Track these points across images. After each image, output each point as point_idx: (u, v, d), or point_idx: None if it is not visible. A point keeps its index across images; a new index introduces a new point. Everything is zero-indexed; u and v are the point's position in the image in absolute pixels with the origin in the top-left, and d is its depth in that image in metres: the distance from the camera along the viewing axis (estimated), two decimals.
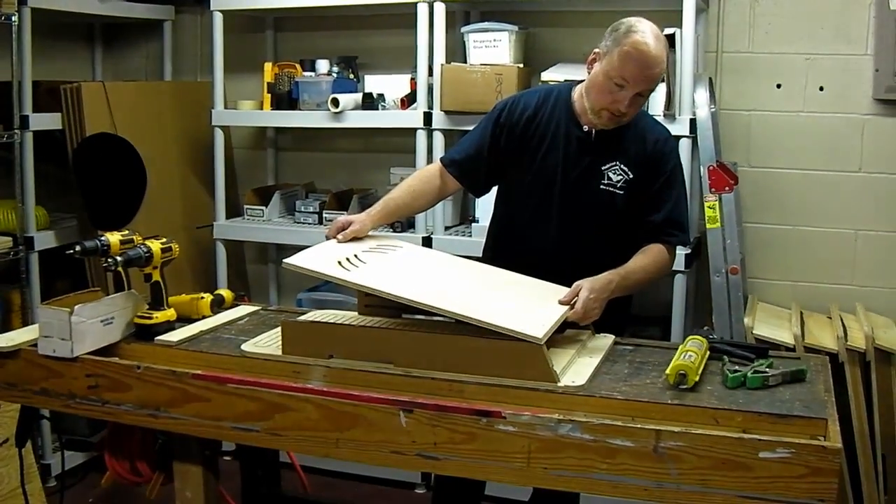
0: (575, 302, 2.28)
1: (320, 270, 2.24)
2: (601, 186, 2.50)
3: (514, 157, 2.57)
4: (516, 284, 2.40)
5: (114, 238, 2.35)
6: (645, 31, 2.36)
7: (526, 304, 2.25)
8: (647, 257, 2.48)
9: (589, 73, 2.47)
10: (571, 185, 2.52)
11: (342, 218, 2.53)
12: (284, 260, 2.29)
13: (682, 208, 2.57)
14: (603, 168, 2.50)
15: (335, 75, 3.80)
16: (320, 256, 2.33)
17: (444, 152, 3.23)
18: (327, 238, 2.50)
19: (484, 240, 2.84)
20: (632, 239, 2.53)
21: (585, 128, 2.51)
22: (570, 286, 2.34)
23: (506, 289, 2.35)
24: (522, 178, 2.58)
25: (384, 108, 3.72)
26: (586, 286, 2.30)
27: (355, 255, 2.36)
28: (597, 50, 2.44)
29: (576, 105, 2.54)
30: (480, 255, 2.78)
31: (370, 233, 2.56)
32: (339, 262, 2.29)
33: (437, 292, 2.20)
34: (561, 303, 2.29)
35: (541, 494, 2.75)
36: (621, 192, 2.50)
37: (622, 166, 2.50)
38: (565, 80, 3.27)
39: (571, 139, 2.51)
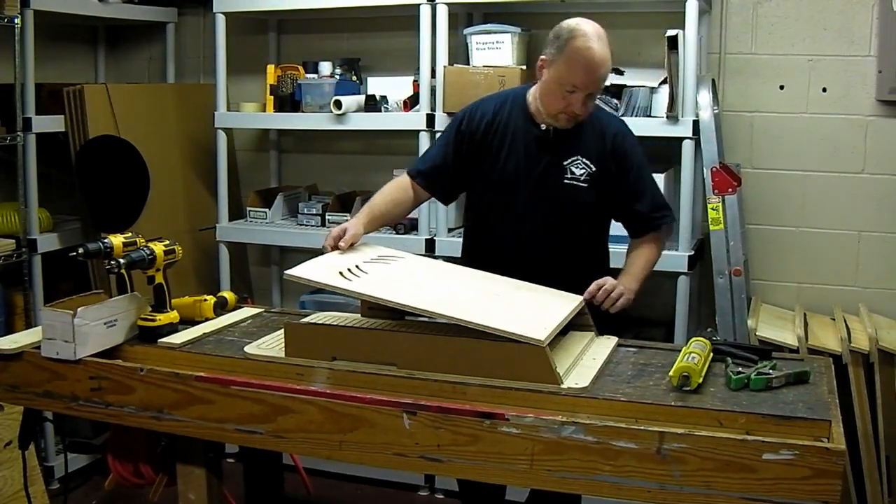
0: (601, 290, 2.42)
1: (322, 281, 2.24)
2: (565, 181, 2.59)
3: (478, 161, 2.65)
4: (519, 290, 2.41)
5: (117, 240, 2.35)
6: (586, 34, 2.44)
7: (528, 308, 2.26)
8: (645, 253, 2.60)
9: (539, 78, 2.56)
10: (535, 182, 2.60)
11: (336, 229, 2.53)
12: (286, 272, 2.29)
13: (658, 190, 2.70)
14: (564, 163, 2.59)
15: (338, 77, 3.80)
16: (322, 267, 2.34)
17: None
18: (323, 249, 2.50)
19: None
20: (603, 233, 2.73)
21: (543, 126, 2.59)
22: (548, 284, 2.46)
23: (508, 294, 2.35)
24: (488, 182, 2.65)
25: (387, 109, 3.72)
26: (613, 280, 2.48)
27: (357, 266, 2.37)
28: (543, 56, 2.52)
29: (531, 106, 2.62)
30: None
31: (373, 245, 2.58)
32: (341, 273, 2.29)
33: (439, 299, 2.20)
34: (589, 293, 2.40)
35: (539, 495, 2.77)
36: (585, 186, 2.58)
37: (583, 160, 2.58)
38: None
39: (530, 139, 2.60)
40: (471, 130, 2.65)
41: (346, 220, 3.62)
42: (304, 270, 2.29)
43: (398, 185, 2.72)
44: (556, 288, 2.46)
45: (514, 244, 2.63)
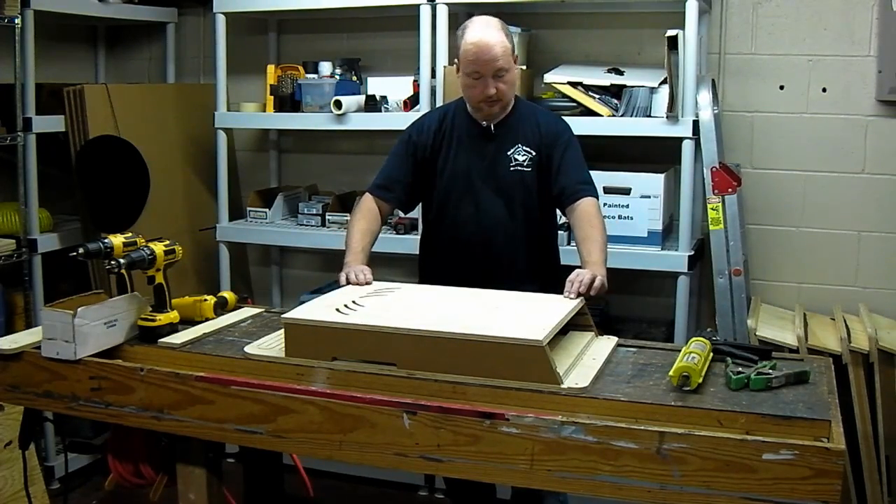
0: (581, 284, 2.42)
1: (320, 319, 2.24)
2: (511, 168, 2.81)
3: (432, 166, 2.88)
4: (517, 300, 2.42)
5: (117, 240, 2.36)
6: (475, 24, 2.73)
7: (528, 312, 2.27)
8: (593, 237, 2.63)
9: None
10: (485, 174, 2.83)
11: (351, 276, 2.61)
12: (283, 315, 2.31)
13: (586, 170, 2.84)
14: (508, 153, 2.82)
15: (338, 77, 3.80)
16: (319, 307, 2.36)
17: None
18: (339, 282, 2.60)
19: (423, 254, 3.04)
20: (553, 217, 2.93)
21: (484, 123, 2.83)
22: (507, 271, 2.74)
23: (506, 305, 2.37)
24: (442, 181, 2.86)
25: (387, 110, 3.72)
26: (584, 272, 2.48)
27: (353, 301, 2.38)
28: (456, 60, 2.78)
29: (469, 110, 2.85)
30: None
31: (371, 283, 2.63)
32: (338, 310, 2.31)
33: (438, 319, 2.21)
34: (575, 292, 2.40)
35: (523, 493, 2.86)
36: (529, 170, 2.81)
37: (523, 147, 2.82)
38: (553, 83, 3.36)
39: (474, 136, 2.85)
40: (422, 140, 2.88)
41: (346, 219, 3.69)
42: (302, 312, 2.32)
43: (365, 217, 2.84)
44: (515, 275, 2.75)
45: (473, 234, 2.82)
